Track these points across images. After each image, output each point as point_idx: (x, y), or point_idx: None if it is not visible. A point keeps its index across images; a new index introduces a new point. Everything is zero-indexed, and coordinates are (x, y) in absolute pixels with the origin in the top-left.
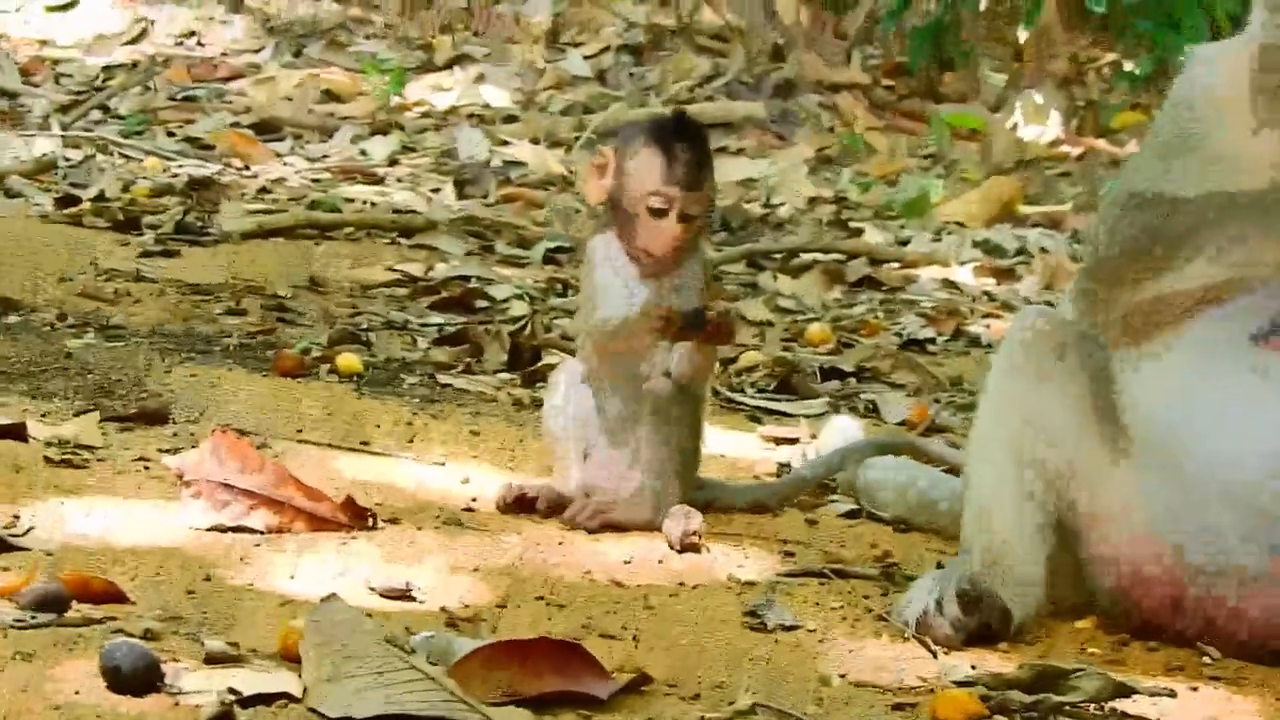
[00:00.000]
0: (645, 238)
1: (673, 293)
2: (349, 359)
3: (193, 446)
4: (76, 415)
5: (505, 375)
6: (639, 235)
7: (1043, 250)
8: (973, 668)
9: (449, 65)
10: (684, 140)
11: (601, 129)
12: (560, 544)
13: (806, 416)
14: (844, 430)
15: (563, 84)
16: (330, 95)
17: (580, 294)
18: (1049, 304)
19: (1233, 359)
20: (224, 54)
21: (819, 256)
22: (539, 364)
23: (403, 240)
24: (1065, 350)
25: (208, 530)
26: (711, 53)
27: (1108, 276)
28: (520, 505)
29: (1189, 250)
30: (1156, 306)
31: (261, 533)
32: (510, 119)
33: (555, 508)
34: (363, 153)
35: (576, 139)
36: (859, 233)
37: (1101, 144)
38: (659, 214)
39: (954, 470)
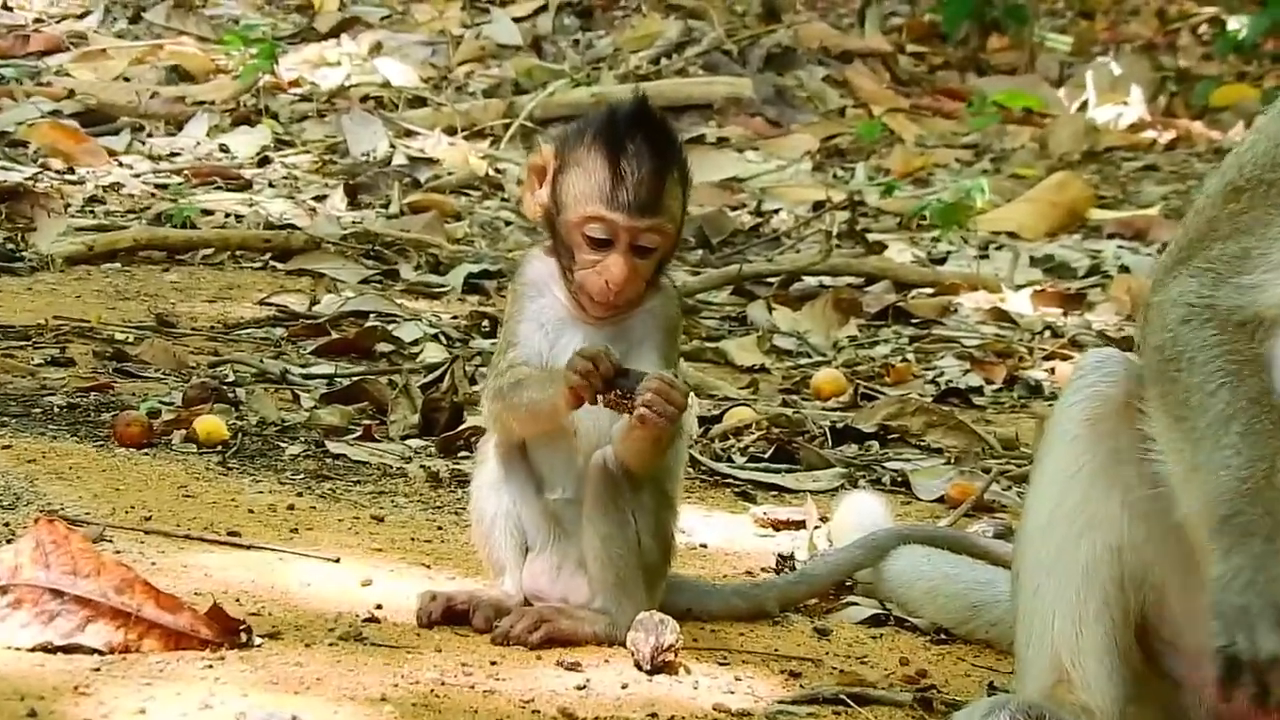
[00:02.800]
0: (583, 274)
1: (612, 347)
2: (211, 423)
3: (9, 541)
4: None
5: (417, 442)
6: (575, 269)
7: (1122, 269)
8: None
9: (335, 32)
10: (640, 145)
11: (539, 116)
12: (493, 665)
13: (814, 493)
14: (863, 511)
15: (486, 56)
16: (180, 74)
17: (500, 332)
18: (1122, 345)
19: None
20: (39, 21)
21: (827, 280)
22: (461, 427)
23: (278, 264)
24: (1139, 418)
25: (31, 650)
26: (683, 12)
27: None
28: (449, 618)
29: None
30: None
31: (102, 653)
32: (417, 102)
33: (494, 619)
34: (223, 148)
35: (506, 128)
36: (879, 249)
37: (1198, 127)
38: (600, 245)
39: (1006, 564)
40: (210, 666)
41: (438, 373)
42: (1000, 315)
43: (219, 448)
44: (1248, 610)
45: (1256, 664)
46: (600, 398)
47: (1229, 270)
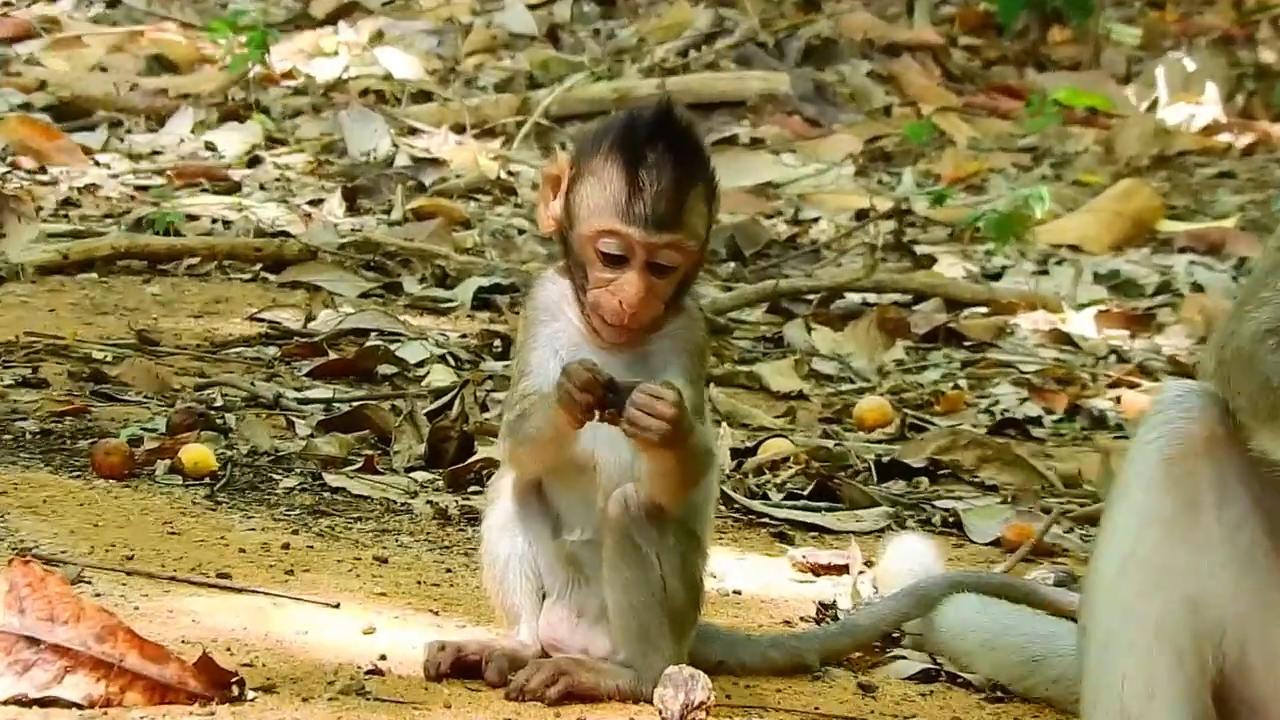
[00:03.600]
0: (596, 293)
1: (631, 373)
2: (198, 453)
3: None
4: None
5: (423, 475)
6: (589, 288)
7: (1195, 286)
8: None
9: (332, 19)
10: (660, 154)
11: (556, 113)
12: None
13: (858, 534)
14: (912, 555)
15: (498, 46)
16: (162, 64)
17: (513, 362)
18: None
19: None
20: (7, 4)
21: (872, 298)
22: (471, 459)
23: (270, 276)
24: (1222, 457)
25: (4, 704)
26: (714, 0)
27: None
28: (459, 670)
29: None
30: None
31: (82, 707)
32: (422, 97)
33: (508, 672)
34: (210, 147)
35: (519, 126)
36: (928, 263)
37: (1278, 130)
38: (614, 262)
39: (1068, 614)
40: None
41: (446, 398)
42: (1061, 338)
43: (207, 480)
44: None
45: None
46: (598, 413)
47: None
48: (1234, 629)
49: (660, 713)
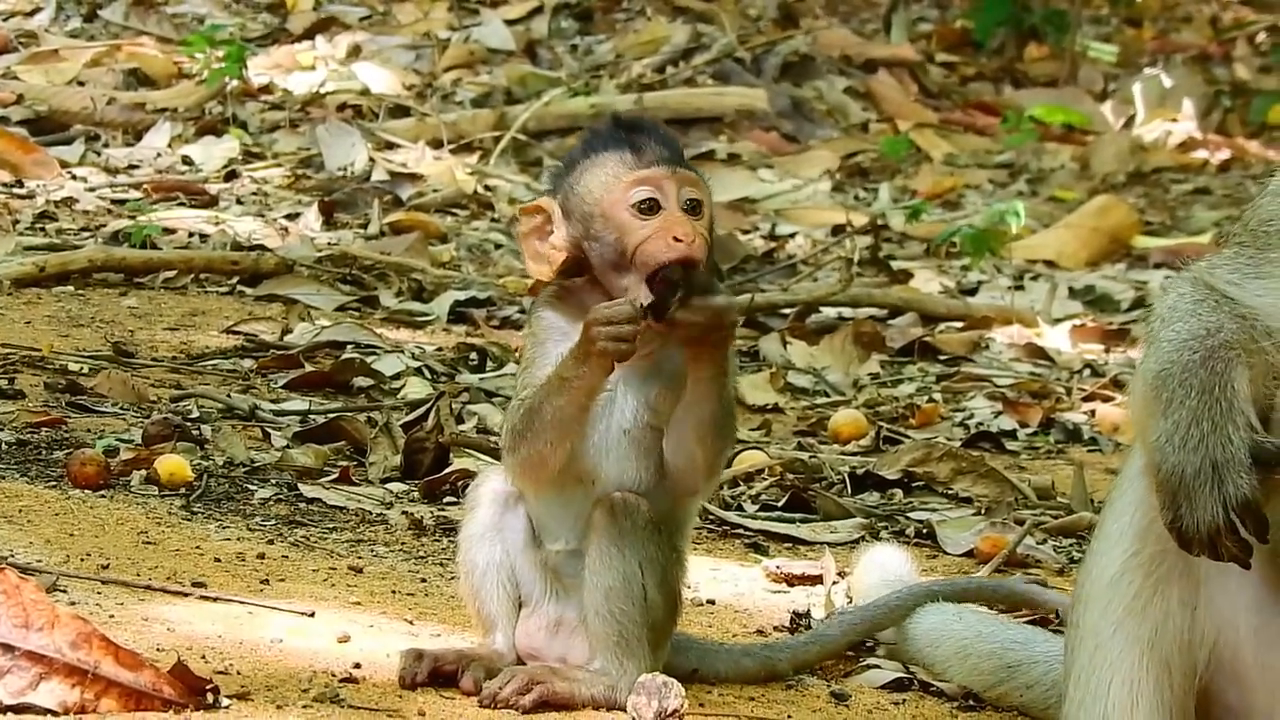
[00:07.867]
0: (645, 249)
1: (653, 378)
2: (173, 463)
3: None
4: None
5: (399, 486)
6: (636, 257)
7: None
8: None
9: (310, 34)
10: (643, 123)
11: (533, 128)
12: None
13: (832, 545)
14: (886, 566)
15: (475, 61)
16: (139, 78)
17: (517, 382)
18: None
19: None
20: None
21: (847, 312)
22: (447, 470)
23: (247, 289)
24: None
25: None
26: (691, 16)
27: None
28: (434, 679)
29: None
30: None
31: (56, 714)
32: (399, 112)
33: (485, 681)
34: (187, 161)
35: (496, 141)
36: (904, 278)
37: (1254, 147)
38: (650, 209)
39: (1046, 622)
40: None
41: (421, 410)
42: (1036, 352)
43: (182, 490)
44: (1184, 474)
45: (1199, 538)
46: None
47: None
48: (1228, 634)
49: None
